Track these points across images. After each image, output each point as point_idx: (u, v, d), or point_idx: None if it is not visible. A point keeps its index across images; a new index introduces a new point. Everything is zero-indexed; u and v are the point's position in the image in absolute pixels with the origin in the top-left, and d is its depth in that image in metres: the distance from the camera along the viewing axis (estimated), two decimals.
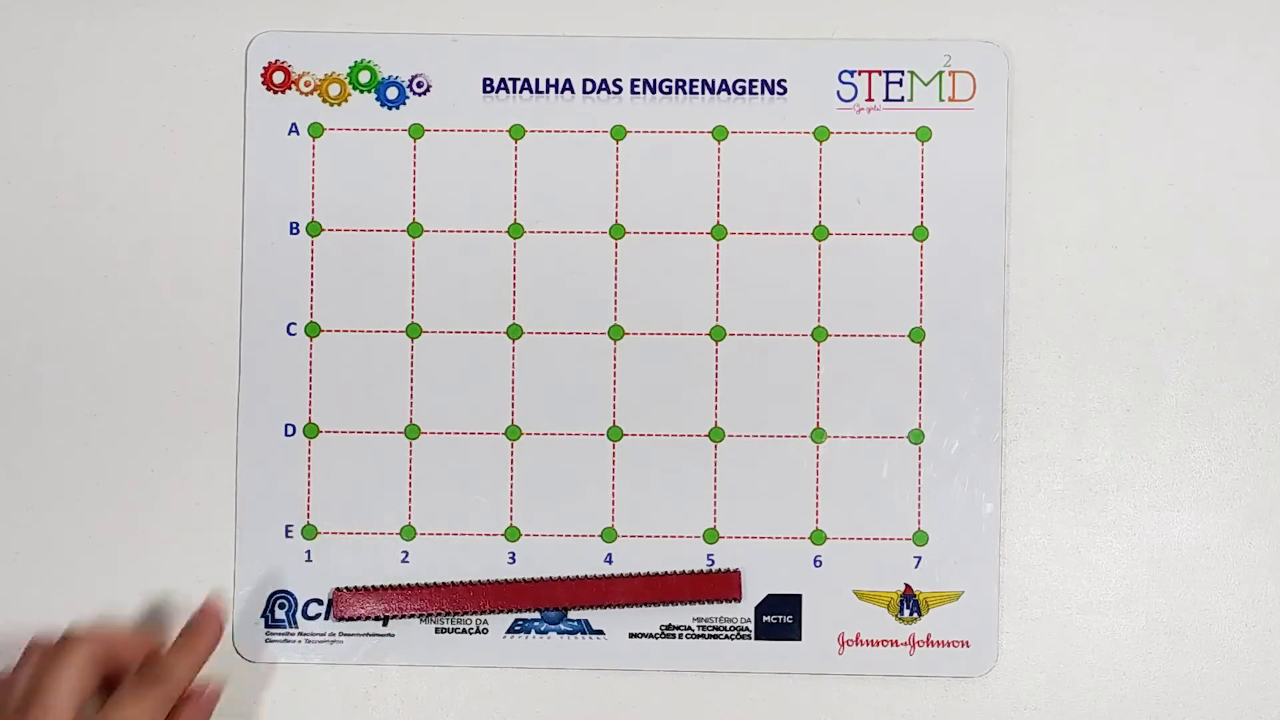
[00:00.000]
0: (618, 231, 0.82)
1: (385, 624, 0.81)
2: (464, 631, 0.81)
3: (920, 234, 0.81)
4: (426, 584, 0.81)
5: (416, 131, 0.82)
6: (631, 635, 0.81)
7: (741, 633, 0.81)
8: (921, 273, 0.81)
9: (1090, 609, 0.81)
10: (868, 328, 0.81)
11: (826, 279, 0.81)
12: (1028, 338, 0.81)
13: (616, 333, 0.81)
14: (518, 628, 0.81)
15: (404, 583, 0.81)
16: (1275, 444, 0.81)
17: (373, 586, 0.81)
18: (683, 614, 0.81)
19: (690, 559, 0.81)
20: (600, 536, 0.81)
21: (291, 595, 0.81)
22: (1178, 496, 0.81)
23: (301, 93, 0.82)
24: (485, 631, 0.81)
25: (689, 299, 0.81)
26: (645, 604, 0.81)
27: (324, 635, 0.81)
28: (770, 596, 0.81)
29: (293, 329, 0.82)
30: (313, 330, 0.82)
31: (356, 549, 0.81)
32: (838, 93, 0.81)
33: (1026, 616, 0.81)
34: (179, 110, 0.82)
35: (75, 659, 0.73)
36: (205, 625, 0.78)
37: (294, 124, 0.82)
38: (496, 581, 0.81)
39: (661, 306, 0.81)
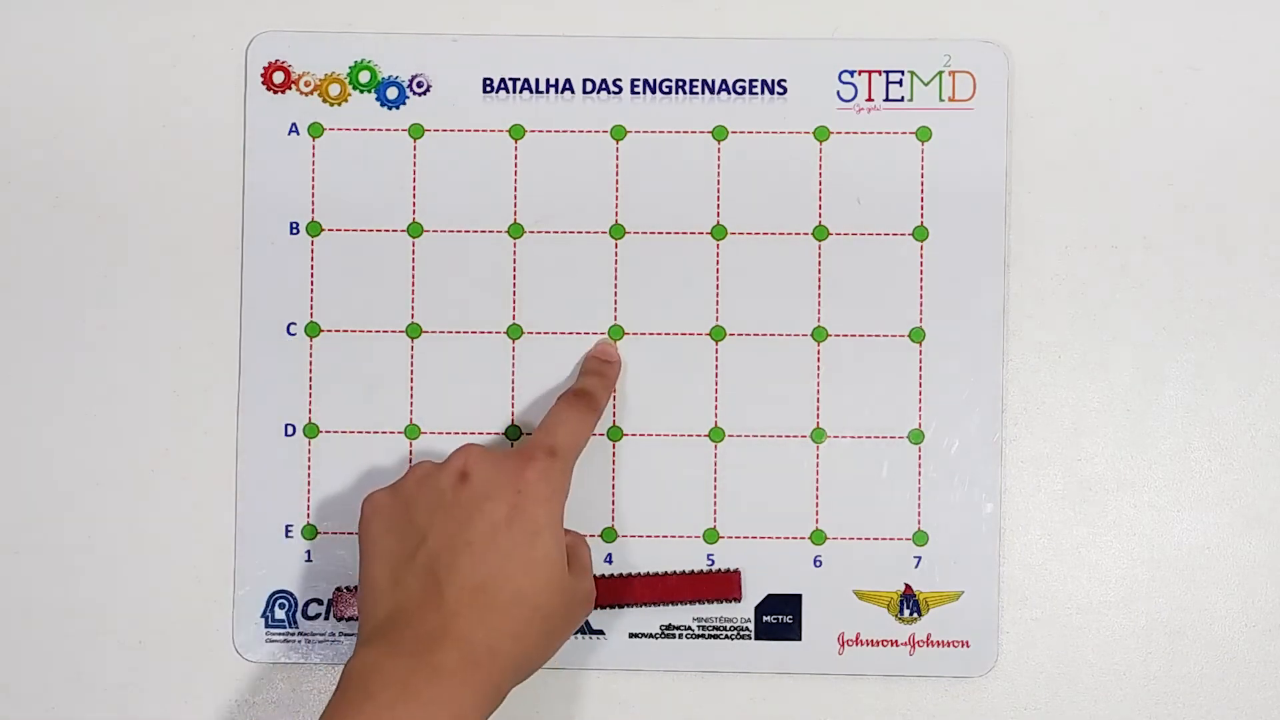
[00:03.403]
0: (618, 231, 0.82)
1: None
2: None
3: (920, 234, 0.81)
4: None
5: (416, 131, 0.82)
6: (631, 635, 0.81)
7: (741, 633, 0.81)
8: (921, 273, 0.81)
9: (1090, 609, 0.81)
10: (868, 328, 0.81)
11: (826, 279, 0.81)
12: (1028, 338, 0.81)
13: (616, 332, 0.81)
14: None
15: None
16: (1275, 444, 0.81)
17: None
18: (683, 614, 0.81)
19: (690, 559, 0.81)
20: (600, 536, 0.81)
21: (291, 595, 0.81)
22: (1178, 496, 0.81)
23: (301, 93, 0.82)
24: None
25: (689, 299, 0.81)
26: (645, 604, 0.81)
27: (324, 635, 0.81)
28: (770, 596, 0.81)
29: (293, 329, 0.82)
30: (313, 330, 0.82)
31: (357, 549, 0.81)
32: (838, 93, 0.81)
33: (1026, 616, 0.81)
34: (179, 110, 0.82)
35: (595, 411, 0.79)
36: (611, 355, 0.81)
37: (294, 124, 0.82)
38: None
39: (661, 306, 0.81)
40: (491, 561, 0.72)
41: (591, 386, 0.79)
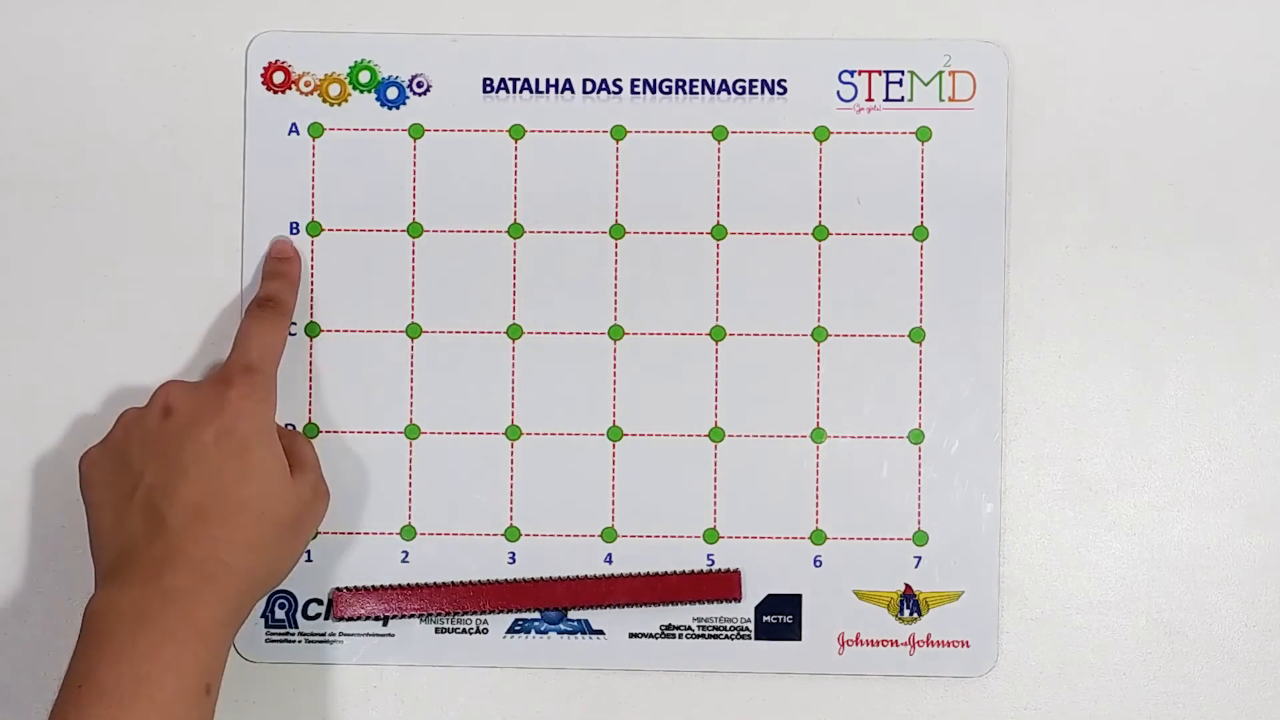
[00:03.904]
0: (618, 231, 0.82)
1: (385, 624, 0.81)
2: (464, 631, 0.81)
3: (920, 234, 0.81)
4: (426, 584, 0.81)
5: (416, 131, 0.82)
6: (631, 635, 0.81)
7: (741, 633, 0.81)
8: (921, 273, 0.81)
9: (1090, 609, 0.81)
10: (868, 328, 0.81)
11: (826, 279, 0.81)
12: (1028, 338, 0.81)
13: (616, 333, 0.81)
14: (518, 628, 0.81)
15: (404, 583, 0.81)
16: (1275, 444, 0.81)
17: (373, 586, 0.81)
18: (683, 614, 0.81)
19: (690, 559, 0.81)
20: (600, 536, 0.81)
21: (291, 595, 0.81)
22: (1178, 496, 0.81)
23: (301, 93, 0.82)
24: (485, 631, 0.81)
25: (689, 299, 0.81)
26: (645, 604, 0.81)
27: (324, 635, 0.81)
28: (770, 596, 0.81)
29: (293, 329, 0.82)
30: (313, 330, 0.82)
31: (356, 549, 0.81)
32: (838, 93, 0.81)
33: (1026, 616, 0.81)
34: (179, 110, 0.82)
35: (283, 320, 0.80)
36: (287, 252, 0.81)
37: (294, 124, 0.82)
38: (496, 581, 0.81)
39: (661, 306, 0.81)
40: (207, 480, 0.74)
41: (275, 291, 0.80)
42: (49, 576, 0.82)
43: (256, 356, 0.77)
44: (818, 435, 0.81)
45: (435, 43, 0.82)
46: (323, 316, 0.82)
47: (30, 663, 0.81)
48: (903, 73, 0.81)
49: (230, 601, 0.73)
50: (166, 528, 0.73)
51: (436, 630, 0.81)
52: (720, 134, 0.81)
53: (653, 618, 0.81)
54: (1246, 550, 0.81)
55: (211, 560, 0.72)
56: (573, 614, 0.81)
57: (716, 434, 0.81)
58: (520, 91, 0.82)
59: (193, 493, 0.73)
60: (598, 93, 0.82)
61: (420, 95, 0.82)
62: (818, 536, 0.81)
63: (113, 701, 0.68)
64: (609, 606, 0.81)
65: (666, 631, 0.81)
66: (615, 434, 0.81)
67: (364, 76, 0.82)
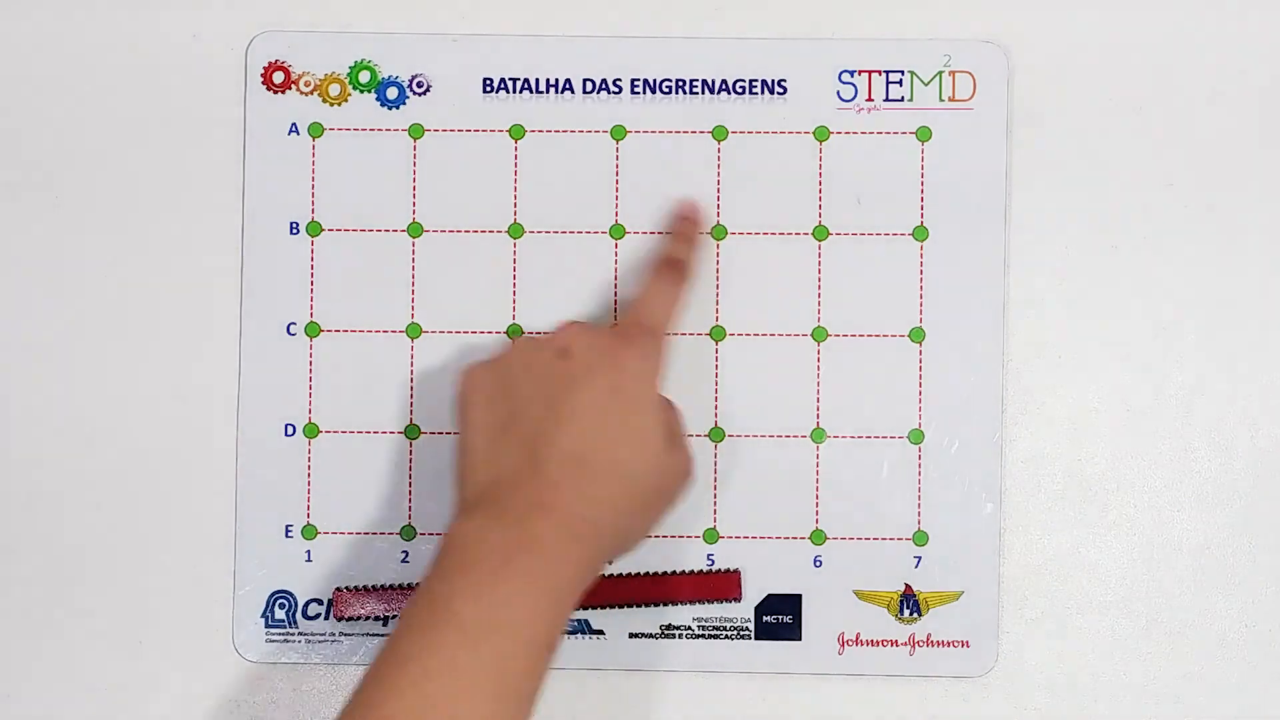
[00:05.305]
0: (618, 231, 0.82)
1: (385, 624, 0.81)
2: None
3: (920, 234, 0.81)
4: None
5: (416, 131, 0.82)
6: (631, 635, 0.81)
7: (741, 633, 0.81)
8: (921, 273, 0.81)
9: (1090, 609, 0.81)
10: (868, 328, 0.81)
11: (826, 279, 0.81)
12: (1028, 338, 0.81)
13: None
14: None
15: (404, 583, 0.81)
16: (1275, 444, 0.81)
17: (373, 586, 0.81)
18: (683, 614, 0.81)
19: (690, 559, 0.81)
20: None
21: (291, 595, 0.81)
22: (1178, 496, 0.81)
23: (301, 93, 0.82)
24: None
25: (690, 299, 0.81)
26: (645, 604, 0.81)
27: (324, 635, 0.81)
28: (770, 596, 0.81)
29: (293, 329, 0.82)
30: (313, 330, 0.82)
31: (356, 549, 0.81)
32: (838, 93, 0.81)
33: (1026, 616, 0.81)
34: (179, 110, 0.82)
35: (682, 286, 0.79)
36: (689, 216, 0.81)
37: (294, 124, 0.82)
38: None
39: None
40: (590, 433, 0.73)
41: (678, 251, 0.80)
42: (42, 578, 0.82)
43: (657, 317, 0.77)
44: (818, 435, 0.81)
45: (435, 43, 0.82)
46: (323, 316, 0.82)
47: None
48: (903, 73, 0.81)
49: (590, 564, 0.72)
50: (541, 473, 0.72)
51: None
52: (720, 134, 0.81)
53: (653, 618, 0.81)
54: (1246, 550, 0.81)
55: (580, 517, 0.71)
56: (573, 614, 0.81)
57: (717, 434, 0.81)
58: (520, 91, 0.82)
59: (573, 443, 0.72)
60: (598, 93, 0.82)
61: (420, 95, 0.82)
62: (818, 536, 0.81)
63: (465, 637, 0.68)
64: (609, 606, 0.81)
65: (666, 631, 0.81)
66: None
67: (364, 76, 0.82)
